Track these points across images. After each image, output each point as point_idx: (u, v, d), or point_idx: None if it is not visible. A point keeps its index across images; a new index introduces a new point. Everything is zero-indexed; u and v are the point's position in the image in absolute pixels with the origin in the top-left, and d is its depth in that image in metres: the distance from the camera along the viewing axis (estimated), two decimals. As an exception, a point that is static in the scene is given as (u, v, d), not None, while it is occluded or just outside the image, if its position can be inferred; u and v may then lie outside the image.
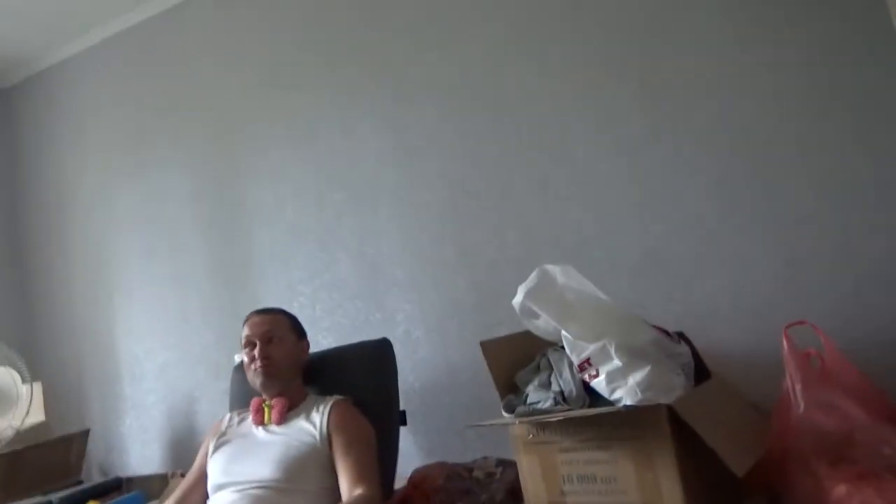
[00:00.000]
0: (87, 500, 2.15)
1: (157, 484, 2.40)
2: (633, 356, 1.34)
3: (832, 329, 1.43)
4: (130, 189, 2.81)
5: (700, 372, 1.50)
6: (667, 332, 1.51)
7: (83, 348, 2.87)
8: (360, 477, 1.59)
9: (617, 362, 1.33)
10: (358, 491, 1.55)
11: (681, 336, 1.54)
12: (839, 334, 1.44)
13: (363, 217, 2.32)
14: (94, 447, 2.73)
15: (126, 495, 2.25)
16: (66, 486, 2.37)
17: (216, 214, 2.61)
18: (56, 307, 2.95)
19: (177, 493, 1.79)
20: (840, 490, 1.23)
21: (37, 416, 2.51)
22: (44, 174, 3.04)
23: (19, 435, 2.27)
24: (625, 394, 1.32)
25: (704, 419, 1.29)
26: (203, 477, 1.77)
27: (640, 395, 1.29)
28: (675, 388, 1.34)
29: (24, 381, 2.20)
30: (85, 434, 2.67)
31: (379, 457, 1.69)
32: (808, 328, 1.41)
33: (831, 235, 1.68)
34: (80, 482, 2.48)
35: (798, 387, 1.34)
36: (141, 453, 2.68)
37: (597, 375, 1.36)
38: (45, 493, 2.25)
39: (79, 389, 2.85)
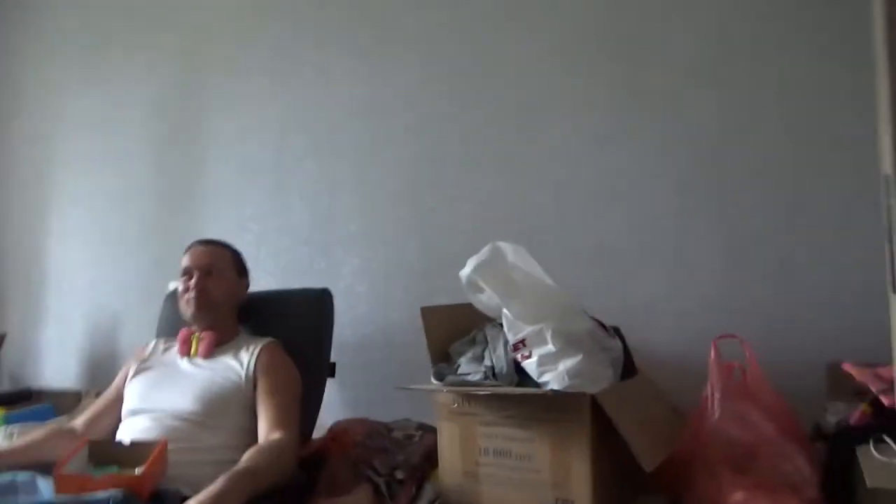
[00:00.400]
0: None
1: (70, 400, 2.34)
2: (568, 343, 1.37)
3: (759, 343, 1.49)
4: (87, 92, 2.67)
5: (627, 368, 1.54)
6: (603, 326, 1.54)
7: (8, 249, 2.74)
8: (279, 422, 1.57)
9: (551, 347, 1.36)
10: (275, 435, 1.54)
11: (616, 331, 1.58)
12: (766, 349, 1.49)
13: (323, 164, 2.27)
14: (8, 352, 2.64)
15: (34, 406, 2.18)
16: (-27, 389, 2.29)
17: (173, 135, 2.51)
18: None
19: (89, 412, 1.75)
20: (737, 496, 1.29)
21: (-50, 313, 2.40)
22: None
23: (-72, 330, 2.17)
24: (553, 378, 1.34)
25: (623, 413, 1.33)
26: (118, 400, 1.73)
27: (567, 382, 1.32)
28: (601, 380, 1.38)
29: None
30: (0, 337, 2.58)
31: (302, 405, 1.69)
32: (737, 341, 1.47)
33: (777, 255, 1.73)
34: (-11, 387, 2.40)
35: (717, 396, 1.40)
36: (57, 367, 2.60)
37: (529, 357, 1.38)
38: (-51, 392, 2.16)
39: (-1, 292, 2.74)
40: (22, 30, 2.83)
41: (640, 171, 1.88)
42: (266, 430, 1.57)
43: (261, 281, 2.24)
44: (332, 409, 2.08)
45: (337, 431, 1.69)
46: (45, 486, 1.43)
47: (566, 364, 1.34)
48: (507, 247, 1.49)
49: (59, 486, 1.34)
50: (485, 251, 1.48)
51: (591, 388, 1.33)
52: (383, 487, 1.54)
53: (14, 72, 2.81)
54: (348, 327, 2.15)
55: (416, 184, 2.14)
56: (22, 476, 1.48)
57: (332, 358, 1.87)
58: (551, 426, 1.35)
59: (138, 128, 2.57)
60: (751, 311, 1.73)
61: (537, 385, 1.37)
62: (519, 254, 1.49)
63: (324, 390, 1.82)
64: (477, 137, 2.08)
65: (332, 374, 1.87)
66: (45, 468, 1.48)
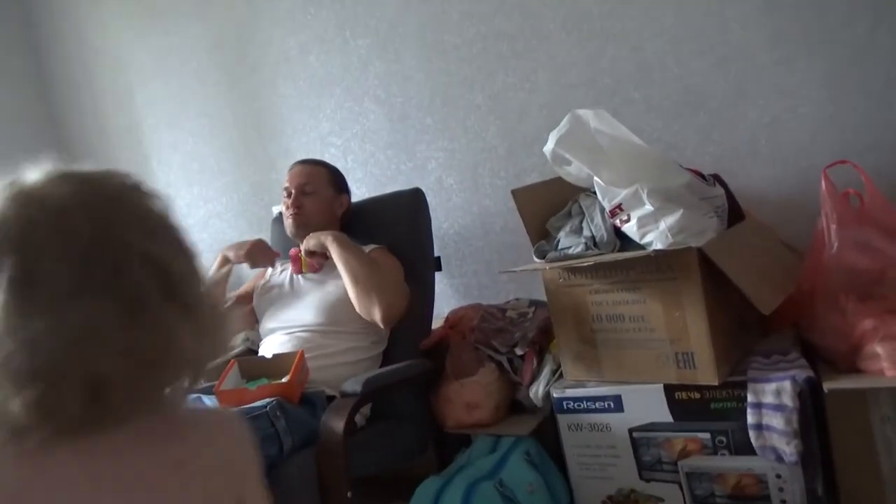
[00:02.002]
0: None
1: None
2: (666, 200, 1.33)
3: (875, 168, 1.38)
4: (149, 44, 2.74)
5: (734, 214, 1.49)
6: (701, 175, 1.48)
7: (129, 203, 2.97)
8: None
9: (649, 207, 1.33)
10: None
11: (716, 178, 1.52)
12: (883, 174, 1.39)
13: (389, 64, 2.24)
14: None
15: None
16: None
17: (240, 66, 2.55)
18: (95, 165, 3.01)
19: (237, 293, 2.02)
20: (866, 324, 1.26)
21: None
22: (63, 32, 2.96)
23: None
24: (655, 238, 1.33)
25: (734, 261, 1.31)
26: (249, 296, 1.96)
27: (670, 239, 1.30)
28: (706, 231, 1.35)
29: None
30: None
31: (417, 299, 1.78)
32: (850, 168, 1.37)
33: (884, 69, 1.57)
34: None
35: (833, 226, 1.33)
36: (195, 299, 2.86)
37: (628, 220, 1.37)
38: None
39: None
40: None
41: (719, 1, 1.72)
42: None
43: (354, 191, 2.32)
44: (445, 299, 2.18)
45: (453, 319, 1.78)
46: (210, 402, 1.63)
47: (667, 221, 1.32)
48: (587, 113, 1.44)
49: (221, 401, 1.53)
50: (565, 122, 1.44)
51: (697, 242, 1.30)
52: (506, 364, 1.63)
53: (90, 36, 2.91)
54: (445, 220, 2.20)
55: (485, 65, 2.08)
56: (189, 397, 1.69)
57: (436, 252, 1.94)
58: (661, 285, 1.35)
59: (207, 66, 2.62)
60: (860, 137, 1.60)
61: (640, 247, 1.37)
62: (601, 118, 1.44)
63: (434, 283, 1.90)
64: (539, 4, 1.96)
65: (440, 268, 1.95)
66: (206, 390, 1.69)
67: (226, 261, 1.90)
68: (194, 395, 1.68)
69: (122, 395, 0.54)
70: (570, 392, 1.47)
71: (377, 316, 1.64)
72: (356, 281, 1.67)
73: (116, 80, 2.85)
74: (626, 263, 1.37)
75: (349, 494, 1.34)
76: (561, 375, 1.54)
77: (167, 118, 2.76)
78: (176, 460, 0.60)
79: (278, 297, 1.87)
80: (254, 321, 1.91)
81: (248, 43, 2.51)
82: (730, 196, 1.50)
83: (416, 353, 1.72)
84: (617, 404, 1.42)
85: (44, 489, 0.53)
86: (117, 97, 2.87)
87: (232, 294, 2.03)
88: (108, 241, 0.54)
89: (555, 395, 1.49)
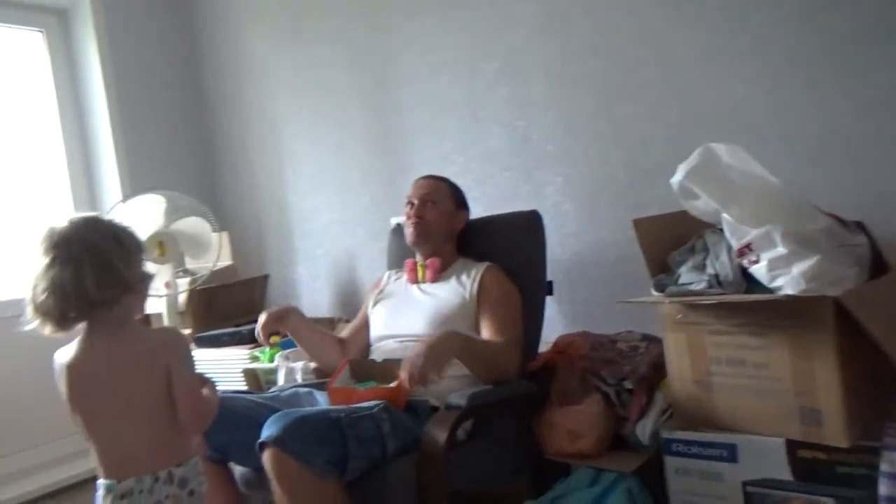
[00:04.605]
0: (270, 334, 2.48)
1: (326, 327, 2.70)
2: (801, 244, 1.28)
3: None
4: (292, 57, 2.94)
5: (877, 265, 1.39)
6: (842, 221, 1.40)
7: (260, 204, 3.18)
8: (500, 330, 1.71)
9: (781, 249, 1.28)
10: (497, 339, 1.68)
11: (858, 225, 1.43)
12: None
13: (516, 88, 2.28)
14: (272, 290, 3.11)
15: (300, 334, 2.57)
16: (252, 321, 2.74)
17: (372, 84, 2.68)
18: (237, 167, 3.26)
19: (348, 329, 2.06)
20: None
21: (226, 260, 2.88)
22: (219, 44, 3.24)
23: (213, 275, 2.63)
24: (787, 283, 1.27)
25: (875, 315, 1.22)
26: (365, 324, 1.98)
27: (804, 286, 1.24)
28: (844, 280, 1.27)
29: (214, 230, 2.51)
30: (265, 278, 3.04)
31: (525, 322, 1.79)
32: None
33: None
34: (262, 320, 2.86)
35: None
36: (311, 299, 3.01)
37: (757, 261, 1.32)
38: (235, 325, 2.63)
39: (258, 240, 3.20)
40: (238, 5, 3.16)
41: (866, 39, 1.62)
42: (489, 337, 1.71)
43: (471, 209, 2.37)
44: (554, 325, 2.17)
45: (562, 344, 1.77)
46: (321, 397, 1.72)
47: (801, 266, 1.26)
48: (720, 147, 1.41)
49: (332, 398, 1.60)
50: (696, 154, 1.42)
51: (833, 290, 1.23)
52: (613, 396, 1.60)
53: (229, 51, 3.17)
54: (559, 246, 2.19)
55: (612, 95, 2.07)
56: (303, 389, 1.79)
57: (548, 276, 1.94)
58: (789, 333, 1.29)
59: (341, 82, 2.78)
60: None
61: (768, 290, 1.31)
62: (734, 153, 1.40)
63: (544, 307, 1.90)
64: (670, 34, 1.93)
65: (551, 292, 1.94)
66: (318, 385, 1.77)
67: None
68: (306, 389, 1.78)
69: (96, 305, 1.13)
70: (681, 435, 1.42)
71: (496, 343, 1.69)
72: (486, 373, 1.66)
73: (262, 92, 3.08)
74: (753, 306, 1.32)
75: (446, 506, 1.36)
76: (671, 416, 1.50)
77: (303, 130, 2.95)
78: (138, 342, 1.21)
79: (392, 305, 1.94)
80: (365, 344, 1.96)
81: (382, 63, 2.64)
82: (873, 245, 1.41)
83: (521, 374, 1.72)
84: (731, 454, 1.36)
85: (90, 356, 1.17)
86: (260, 108, 3.10)
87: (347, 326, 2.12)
88: (86, 243, 1.14)
89: (664, 436, 1.44)
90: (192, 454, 1.23)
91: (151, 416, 1.18)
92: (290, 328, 1.91)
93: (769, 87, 1.79)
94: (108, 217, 1.25)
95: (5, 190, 2.85)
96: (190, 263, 2.80)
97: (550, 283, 1.94)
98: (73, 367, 1.16)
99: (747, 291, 1.36)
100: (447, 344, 1.54)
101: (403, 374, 1.46)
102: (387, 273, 2.11)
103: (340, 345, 1.97)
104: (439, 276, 1.90)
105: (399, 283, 2.01)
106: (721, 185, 1.38)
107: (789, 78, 1.76)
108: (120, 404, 1.17)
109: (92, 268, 1.11)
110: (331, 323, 2.69)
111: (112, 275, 1.14)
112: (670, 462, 1.44)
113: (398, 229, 2.15)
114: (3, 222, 2.79)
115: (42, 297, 1.11)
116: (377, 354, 1.84)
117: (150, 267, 1.29)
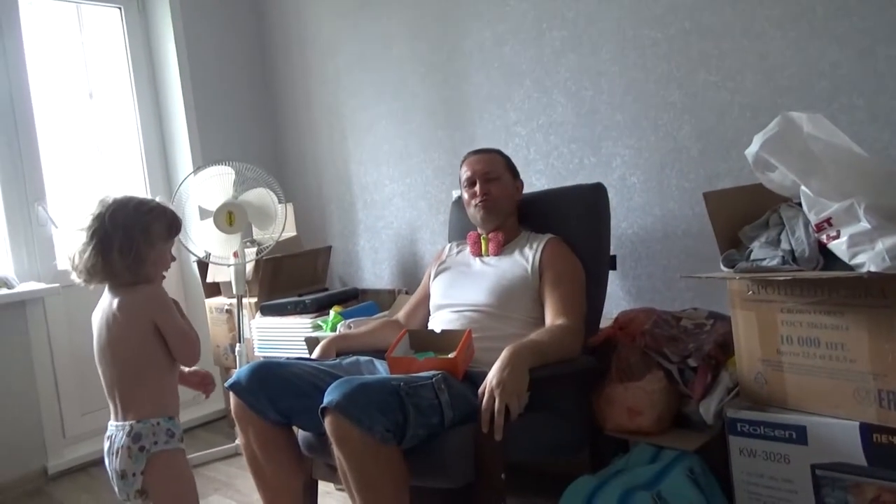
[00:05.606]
0: (332, 304, 2.54)
1: (387, 297, 2.76)
2: (886, 219, 1.20)
3: None
4: (357, 30, 2.95)
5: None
6: (935, 195, 1.30)
7: (324, 177, 3.24)
8: (564, 310, 1.67)
9: (864, 224, 1.20)
10: (560, 321, 1.65)
11: (953, 200, 1.32)
12: None
13: (583, 57, 2.22)
14: (334, 261, 3.18)
15: (361, 304, 2.62)
16: (315, 291, 2.82)
17: (434, 55, 2.66)
18: (301, 140, 3.32)
19: (406, 307, 2.05)
20: None
21: (290, 231, 2.95)
22: (287, 19, 3.29)
23: (278, 246, 2.70)
24: (869, 259, 1.20)
25: (968, 295, 1.14)
26: (426, 298, 2.00)
27: (888, 263, 1.17)
28: (934, 259, 1.19)
29: (279, 201, 2.57)
30: (328, 250, 3.10)
31: (587, 296, 1.76)
32: None
33: None
34: (325, 289, 2.93)
35: None
36: (372, 271, 3.06)
37: (837, 237, 1.25)
38: (299, 295, 2.70)
39: (321, 212, 3.27)
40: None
41: None
42: (552, 317, 1.68)
43: (534, 182, 2.34)
44: (616, 300, 2.13)
45: (623, 320, 1.73)
46: (381, 365, 1.75)
47: (886, 242, 1.18)
48: (800, 116, 1.33)
49: (392, 367, 1.63)
50: (773, 124, 1.34)
51: (921, 268, 1.15)
52: (676, 374, 1.56)
53: (296, 26, 3.21)
54: (624, 220, 2.14)
55: (686, 62, 1.98)
56: (363, 358, 1.82)
57: (612, 250, 1.90)
58: (869, 312, 1.21)
59: (404, 54, 2.77)
60: None
61: (848, 267, 1.24)
62: (816, 123, 1.32)
63: (607, 282, 1.87)
64: (755, 2, 1.83)
65: (614, 267, 1.90)
66: (379, 353, 1.80)
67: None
68: (367, 357, 1.82)
69: (118, 272, 1.42)
70: (747, 415, 1.37)
71: (559, 326, 1.64)
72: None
73: (326, 64, 3.12)
74: (830, 283, 1.25)
75: (503, 476, 1.36)
76: (737, 395, 1.45)
77: (365, 101, 2.97)
78: (130, 300, 1.44)
79: (453, 276, 1.94)
80: (426, 318, 1.96)
81: (446, 33, 2.61)
82: (969, 222, 1.31)
83: (581, 349, 1.70)
84: (800, 436, 1.30)
85: (96, 313, 1.48)
86: (325, 79, 3.13)
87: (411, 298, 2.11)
88: (117, 224, 1.42)
89: (729, 415, 1.40)
90: (154, 414, 1.43)
91: (125, 371, 1.44)
92: (342, 352, 1.86)
93: (860, 54, 1.67)
94: (152, 200, 1.52)
95: (83, 162, 3.00)
96: (257, 234, 2.89)
97: (614, 257, 1.90)
98: (92, 321, 1.49)
99: (824, 268, 1.29)
100: (518, 370, 1.42)
101: (485, 427, 1.36)
102: (448, 244, 2.11)
103: (399, 327, 1.96)
104: (502, 249, 1.89)
105: (462, 255, 2.01)
106: (800, 156, 1.30)
107: (884, 45, 1.63)
108: (107, 357, 1.45)
109: (117, 242, 1.40)
110: (392, 294, 2.73)
111: (132, 251, 1.42)
112: (734, 442, 1.39)
113: (460, 202, 2.15)
114: (81, 194, 2.94)
115: (75, 254, 1.42)
116: (435, 323, 1.86)
117: (181, 246, 1.67)
